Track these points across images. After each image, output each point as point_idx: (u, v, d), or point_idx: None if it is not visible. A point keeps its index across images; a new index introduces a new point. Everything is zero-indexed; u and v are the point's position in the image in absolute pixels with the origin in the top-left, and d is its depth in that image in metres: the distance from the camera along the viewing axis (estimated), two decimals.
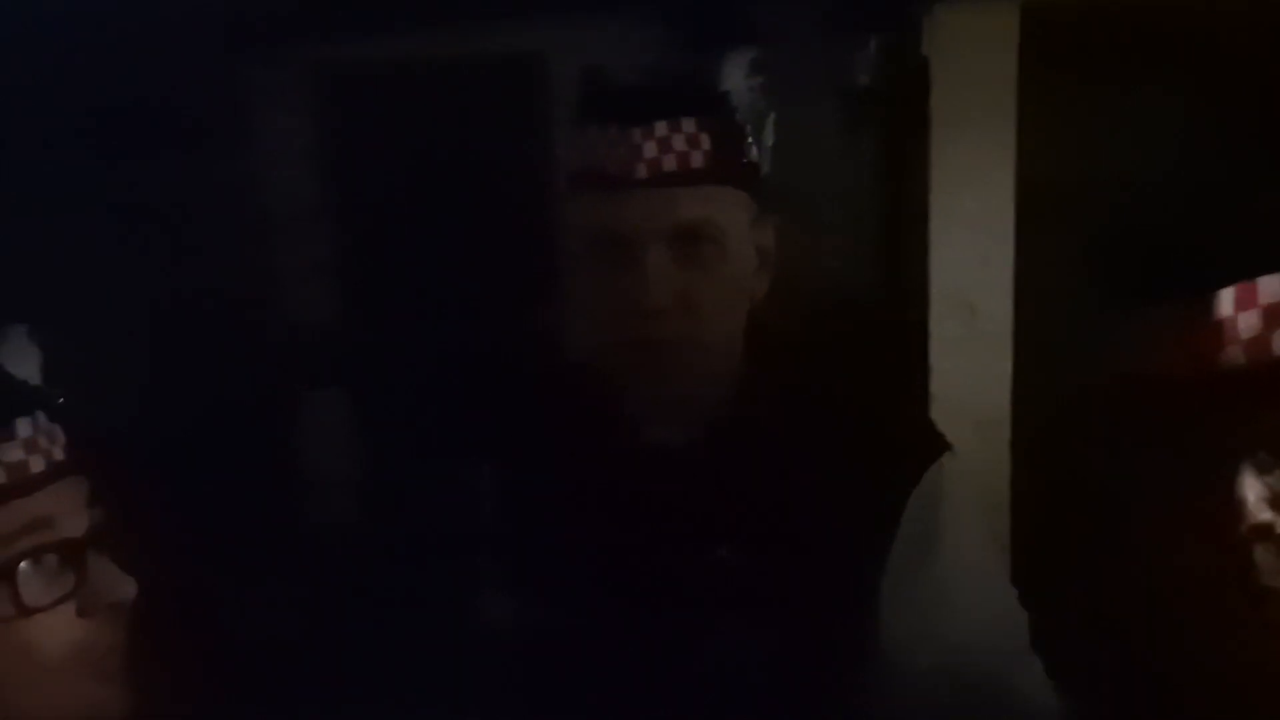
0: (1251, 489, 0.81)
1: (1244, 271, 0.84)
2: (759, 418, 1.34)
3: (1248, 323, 0.82)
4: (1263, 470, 0.81)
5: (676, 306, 1.30)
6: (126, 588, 1.05)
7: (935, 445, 1.38)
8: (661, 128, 1.30)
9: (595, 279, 1.32)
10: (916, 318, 2.10)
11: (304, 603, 1.57)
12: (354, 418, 2.06)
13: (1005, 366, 2.13)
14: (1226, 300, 0.83)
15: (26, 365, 1.13)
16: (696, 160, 1.31)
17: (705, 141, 1.31)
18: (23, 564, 1.01)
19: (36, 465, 1.04)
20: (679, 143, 1.30)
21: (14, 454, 1.03)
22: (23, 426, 1.04)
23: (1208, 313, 0.83)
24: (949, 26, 2.09)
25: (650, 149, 1.29)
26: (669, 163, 1.29)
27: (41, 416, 1.06)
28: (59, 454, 1.06)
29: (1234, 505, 0.81)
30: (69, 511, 1.05)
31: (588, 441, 1.37)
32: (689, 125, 1.31)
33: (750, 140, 1.38)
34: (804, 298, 1.49)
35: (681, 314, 1.30)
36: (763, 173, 1.42)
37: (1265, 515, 0.81)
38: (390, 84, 2.04)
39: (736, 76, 1.37)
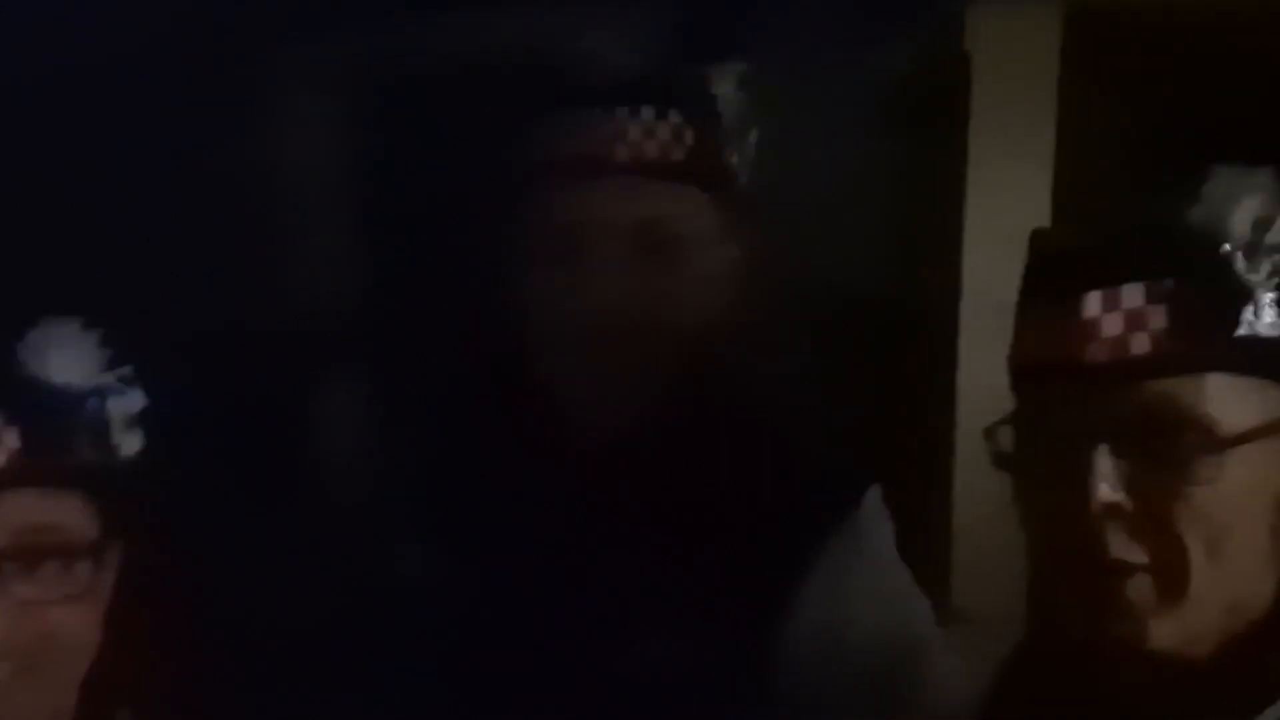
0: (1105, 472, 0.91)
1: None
2: (697, 425, 1.33)
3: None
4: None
5: (630, 303, 1.29)
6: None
7: (857, 486, 1.37)
8: (647, 114, 1.30)
9: (554, 267, 1.31)
10: (946, 320, 2.06)
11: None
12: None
13: None
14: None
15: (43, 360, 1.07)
16: (675, 155, 1.31)
17: (689, 138, 1.31)
18: None
19: None
20: (663, 134, 1.30)
21: None
22: None
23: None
24: (991, 24, 2.06)
25: (633, 134, 1.30)
26: (649, 151, 1.30)
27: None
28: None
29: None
30: None
31: (529, 433, 1.36)
32: (674, 118, 1.31)
33: (734, 148, 1.37)
34: (769, 318, 1.47)
35: (634, 312, 1.29)
36: (743, 184, 1.40)
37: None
38: (405, 77, 2.06)
39: (732, 80, 1.36)
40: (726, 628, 1.29)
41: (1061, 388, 0.95)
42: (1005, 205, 2.00)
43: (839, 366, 1.86)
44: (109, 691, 1.08)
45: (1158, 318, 0.91)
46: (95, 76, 1.78)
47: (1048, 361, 0.96)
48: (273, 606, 1.49)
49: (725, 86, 1.34)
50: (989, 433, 0.99)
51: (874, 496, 1.38)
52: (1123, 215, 1.01)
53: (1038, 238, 1.01)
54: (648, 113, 1.29)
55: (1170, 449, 0.91)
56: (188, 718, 1.12)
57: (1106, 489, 0.91)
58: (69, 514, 1.02)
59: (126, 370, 1.05)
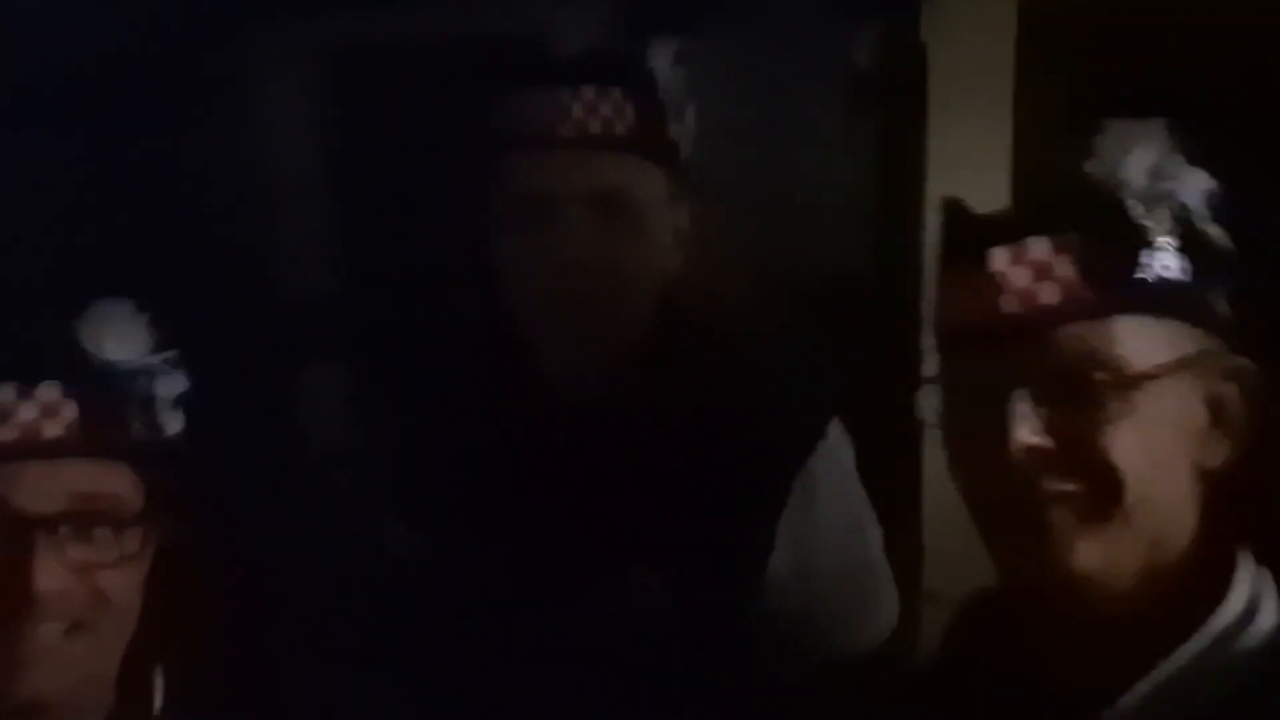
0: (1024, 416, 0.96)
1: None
2: (661, 378, 1.39)
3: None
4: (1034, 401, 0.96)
5: (586, 266, 1.35)
6: (48, 582, 1.04)
7: (816, 427, 1.46)
8: (589, 92, 1.35)
9: (515, 235, 1.39)
10: (909, 302, 2.10)
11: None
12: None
13: None
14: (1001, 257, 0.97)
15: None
16: (620, 128, 1.36)
17: (630, 112, 1.39)
18: None
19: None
20: (605, 109, 1.36)
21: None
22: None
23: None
24: (947, 12, 2.10)
25: (576, 111, 1.35)
26: (594, 126, 1.36)
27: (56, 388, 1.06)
28: (56, 430, 1.06)
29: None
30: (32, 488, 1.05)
31: (498, 394, 1.42)
32: (616, 94, 1.38)
33: (676, 120, 1.44)
34: (720, 275, 1.54)
35: (591, 275, 1.36)
36: (687, 153, 1.47)
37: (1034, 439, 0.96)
38: (386, 61, 2.11)
39: (669, 56, 1.43)
40: (715, 558, 1.37)
41: (980, 342, 0.99)
42: (963, 187, 2.04)
43: (796, 316, 1.92)
44: (145, 652, 1.15)
45: (1064, 267, 0.96)
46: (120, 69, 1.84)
47: (965, 319, 1.01)
48: (296, 576, 1.55)
49: (662, 62, 1.40)
50: (915, 392, 1.05)
51: (837, 427, 1.47)
52: (1035, 175, 1.05)
53: (948, 205, 1.05)
54: (590, 90, 1.35)
55: (1084, 390, 0.96)
56: (214, 679, 1.18)
57: (1028, 432, 0.96)
58: (119, 484, 1.10)
59: (173, 354, 1.13)
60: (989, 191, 2.10)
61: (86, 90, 1.84)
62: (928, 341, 1.09)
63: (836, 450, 1.46)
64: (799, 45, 2.05)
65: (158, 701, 1.16)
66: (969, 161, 2.08)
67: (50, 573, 1.04)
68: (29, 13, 1.73)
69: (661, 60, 1.41)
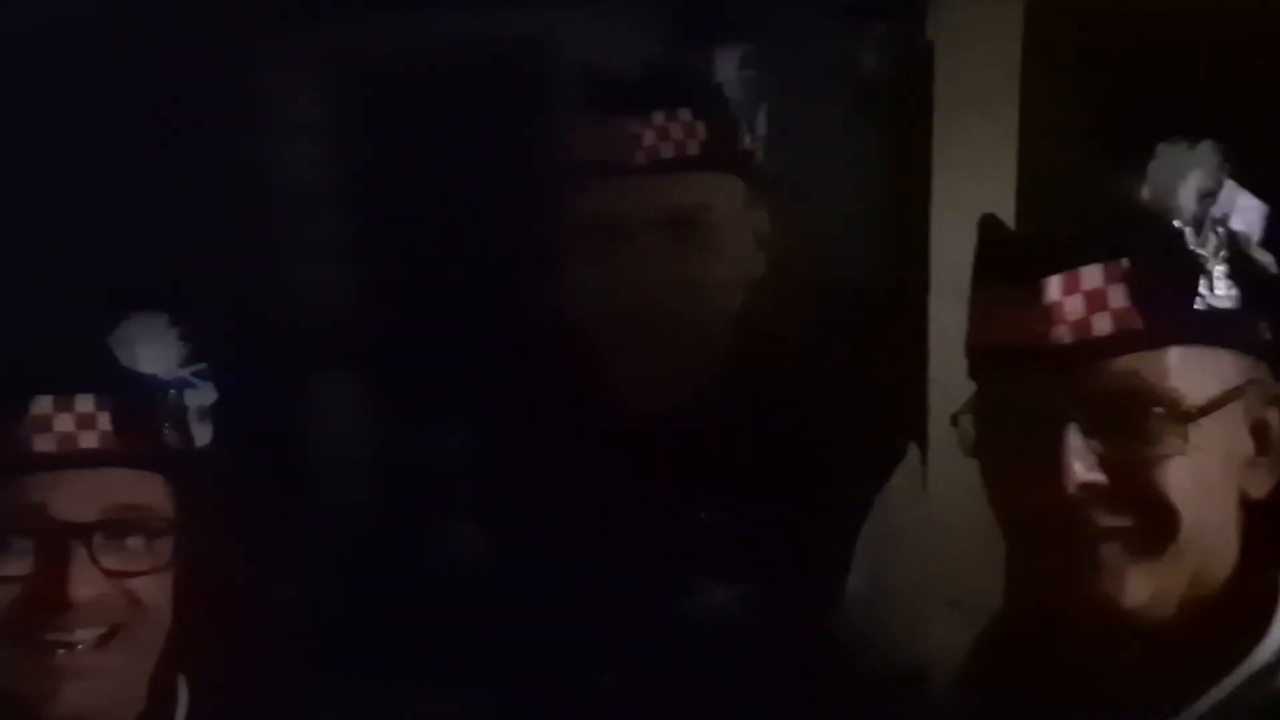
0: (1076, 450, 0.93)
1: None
2: (745, 395, 1.39)
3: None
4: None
5: (675, 290, 1.36)
6: (84, 589, 1.06)
7: (899, 445, 1.46)
8: (659, 117, 1.35)
9: (599, 265, 1.39)
10: (916, 304, 2.10)
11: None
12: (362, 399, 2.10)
13: None
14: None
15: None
16: (692, 148, 1.37)
17: (701, 130, 1.38)
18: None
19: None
20: (675, 131, 1.35)
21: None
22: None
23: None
24: (954, 12, 2.10)
25: (647, 137, 1.36)
26: (665, 150, 1.36)
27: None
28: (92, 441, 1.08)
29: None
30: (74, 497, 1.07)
31: (584, 415, 1.42)
32: (685, 114, 1.37)
33: (745, 128, 1.43)
34: (801, 282, 1.53)
35: (676, 293, 1.36)
36: (760, 160, 1.46)
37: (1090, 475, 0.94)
38: (399, 68, 2.10)
39: (732, 66, 1.41)
40: (796, 573, 1.38)
41: (1026, 370, 0.97)
42: (971, 189, 2.04)
43: (872, 330, 1.91)
44: (171, 662, 1.16)
45: (1117, 297, 0.93)
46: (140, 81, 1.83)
47: (1011, 346, 0.97)
48: (328, 586, 1.55)
49: (728, 71, 1.39)
50: (954, 419, 1.02)
51: (914, 445, 1.46)
52: (1083, 198, 1.04)
53: (988, 224, 1.02)
54: (659, 115, 1.36)
55: (1139, 423, 0.94)
56: (238, 687, 1.20)
57: (1080, 467, 0.94)
58: (153, 493, 1.12)
59: (202, 366, 1.15)
60: (995, 193, 2.12)
61: (127, 110, 1.82)
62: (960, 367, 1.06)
63: (912, 468, 1.46)
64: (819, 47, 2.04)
65: (181, 713, 1.17)
66: (974, 162, 2.08)
67: (86, 580, 1.05)
68: (66, 38, 1.72)
69: (726, 71, 1.40)
